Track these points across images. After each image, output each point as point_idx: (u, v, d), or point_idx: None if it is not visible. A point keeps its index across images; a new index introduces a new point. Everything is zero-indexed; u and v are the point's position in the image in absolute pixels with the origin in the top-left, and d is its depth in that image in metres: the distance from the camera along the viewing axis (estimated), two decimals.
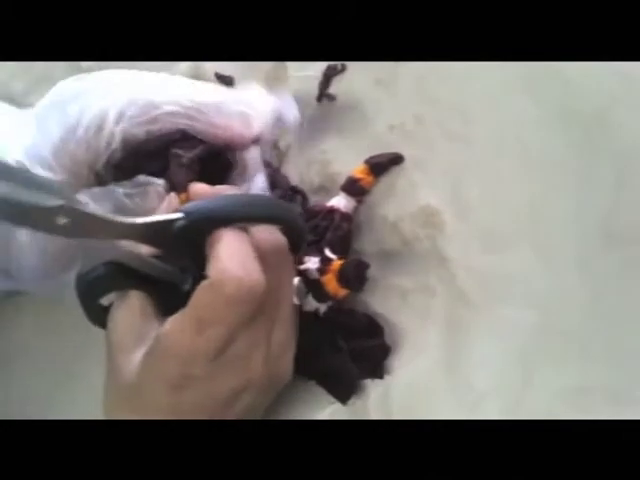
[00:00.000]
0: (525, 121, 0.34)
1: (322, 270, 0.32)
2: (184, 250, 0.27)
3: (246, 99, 0.34)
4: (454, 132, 0.35)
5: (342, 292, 0.32)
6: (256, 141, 0.34)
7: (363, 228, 0.36)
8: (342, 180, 0.36)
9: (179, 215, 0.26)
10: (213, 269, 0.25)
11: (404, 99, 0.36)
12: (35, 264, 0.33)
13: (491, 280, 0.34)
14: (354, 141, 0.36)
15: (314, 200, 0.37)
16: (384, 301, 0.35)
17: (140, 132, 0.32)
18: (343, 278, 0.31)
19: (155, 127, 0.32)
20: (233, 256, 0.25)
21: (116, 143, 0.32)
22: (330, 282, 0.31)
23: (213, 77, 0.38)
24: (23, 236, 0.32)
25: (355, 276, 0.31)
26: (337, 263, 0.32)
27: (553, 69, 0.34)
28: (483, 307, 0.34)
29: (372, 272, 0.35)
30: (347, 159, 0.37)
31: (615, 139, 0.33)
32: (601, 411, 0.32)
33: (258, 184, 0.34)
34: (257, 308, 0.26)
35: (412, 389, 0.33)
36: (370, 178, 0.35)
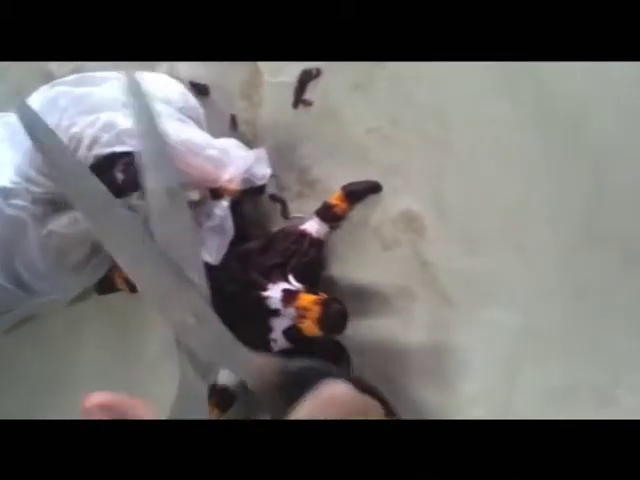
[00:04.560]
0: (503, 123, 0.34)
1: (286, 301, 0.31)
2: None
3: (223, 145, 0.34)
4: (432, 135, 0.35)
5: (320, 334, 0.31)
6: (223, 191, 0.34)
7: (344, 234, 0.36)
8: (321, 186, 0.36)
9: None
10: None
11: (381, 103, 0.36)
12: (44, 269, 0.33)
13: (473, 283, 0.34)
14: (332, 146, 0.36)
15: (293, 207, 0.36)
16: (367, 307, 0.35)
17: (108, 151, 0.32)
18: (325, 327, 0.30)
19: (121, 148, 0.32)
20: None
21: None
22: (309, 329, 0.31)
23: (188, 85, 0.38)
24: (29, 246, 0.32)
25: (337, 324, 0.31)
26: (305, 298, 0.31)
27: (529, 71, 0.34)
28: (466, 310, 0.34)
29: (353, 278, 0.35)
30: (325, 165, 0.36)
31: (593, 139, 0.33)
32: (585, 410, 0.32)
33: (219, 212, 0.34)
34: None
35: None
36: (345, 205, 0.35)
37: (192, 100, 0.35)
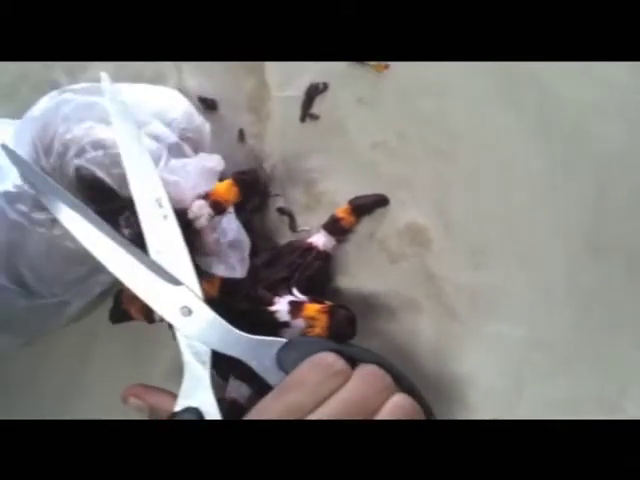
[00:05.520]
0: (507, 134, 0.34)
1: (293, 312, 0.31)
2: None
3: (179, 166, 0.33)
4: (437, 148, 0.35)
5: None
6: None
7: (350, 247, 0.36)
8: (327, 199, 0.37)
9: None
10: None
11: (386, 116, 0.36)
12: (51, 274, 0.33)
13: (479, 296, 0.34)
14: (338, 160, 0.37)
15: (300, 220, 0.37)
16: (374, 320, 0.35)
17: (96, 170, 0.31)
18: (334, 333, 0.31)
19: (115, 170, 0.31)
20: None
21: (70, 177, 0.32)
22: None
23: (196, 100, 0.38)
24: (34, 250, 0.32)
25: (346, 330, 0.31)
26: (311, 307, 0.31)
27: (533, 79, 0.34)
28: (471, 323, 0.34)
29: (360, 291, 0.36)
30: (332, 178, 0.37)
31: (597, 149, 0.33)
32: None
33: (231, 226, 0.33)
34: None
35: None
36: (352, 218, 0.36)
37: (197, 120, 0.34)
